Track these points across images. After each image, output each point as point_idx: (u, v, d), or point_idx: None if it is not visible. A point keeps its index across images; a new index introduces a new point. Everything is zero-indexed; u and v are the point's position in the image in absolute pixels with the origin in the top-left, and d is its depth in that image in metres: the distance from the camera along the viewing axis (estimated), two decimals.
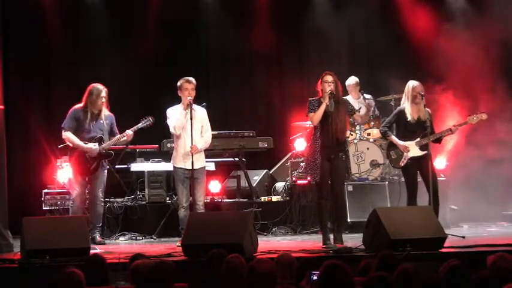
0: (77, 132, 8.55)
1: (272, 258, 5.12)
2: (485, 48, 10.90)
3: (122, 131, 8.84)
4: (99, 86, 8.62)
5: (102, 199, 8.76)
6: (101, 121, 8.57)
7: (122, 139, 8.64)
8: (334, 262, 4.24)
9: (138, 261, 5.06)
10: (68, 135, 8.54)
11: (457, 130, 8.62)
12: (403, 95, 8.67)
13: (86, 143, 8.51)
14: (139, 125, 8.73)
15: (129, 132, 8.60)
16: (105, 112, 8.64)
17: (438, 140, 8.69)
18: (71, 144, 8.58)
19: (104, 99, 8.56)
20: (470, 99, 10.13)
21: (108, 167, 8.89)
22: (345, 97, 9.63)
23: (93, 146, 8.49)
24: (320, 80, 8.02)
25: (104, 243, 8.69)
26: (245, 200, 10.17)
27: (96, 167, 8.57)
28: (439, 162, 10.12)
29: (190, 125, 8.31)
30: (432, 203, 8.27)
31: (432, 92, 9.68)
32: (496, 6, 11.14)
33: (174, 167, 8.54)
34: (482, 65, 10.80)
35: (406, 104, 8.60)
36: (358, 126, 10.37)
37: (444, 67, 10.72)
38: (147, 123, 8.76)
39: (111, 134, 8.66)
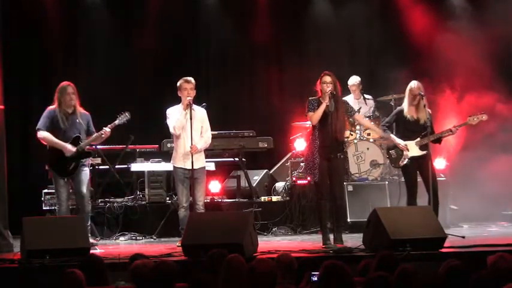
0: (53, 133, 8.27)
1: (272, 258, 5.12)
2: (485, 48, 10.90)
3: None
4: (65, 83, 8.35)
5: (88, 198, 8.38)
6: (77, 120, 8.29)
7: (100, 137, 8.33)
8: (334, 262, 4.24)
9: (138, 261, 5.06)
10: (44, 135, 8.27)
11: (458, 130, 8.61)
12: (405, 95, 8.67)
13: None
14: (116, 122, 8.41)
15: (107, 129, 8.29)
16: (81, 111, 8.36)
17: (438, 141, 8.68)
18: (45, 143, 8.30)
19: (72, 96, 8.25)
20: (470, 99, 10.13)
21: (89, 166, 8.52)
22: (345, 97, 9.67)
23: (71, 146, 8.18)
24: (319, 80, 8.02)
25: (95, 245, 8.22)
26: (245, 200, 10.17)
27: (75, 167, 8.23)
28: (439, 162, 10.11)
29: (190, 125, 8.31)
30: (432, 203, 8.27)
31: (432, 92, 9.68)
32: (496, 5, 11.15)
33: (174, 167, 8.53)
34: (483, 65, 10.80)
35: (406, 104, 8.60)
36: (358, 126, 10.37)
37: (445, 67, 10.72)
38: (124, 119, 8.46)
39: (88, 133, 8.37)
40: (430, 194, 8.33)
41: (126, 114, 8.45)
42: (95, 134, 8.31)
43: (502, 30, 11.19)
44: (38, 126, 8.31)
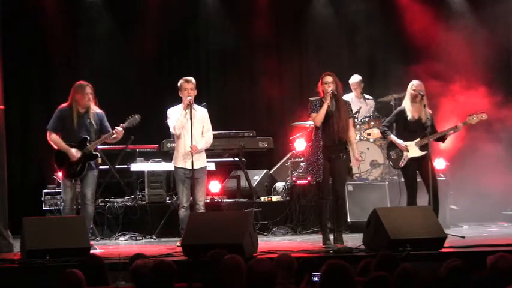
0: (63, 132, 8.15)
1: (272, 258, 5.12)
2: (486, 48, 10.91)
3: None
4: (83, 82, 8.22)
5: (91, 200, 8.24)
6: (88, 120, 8.14)
7: (112, 137, 8.17)
8: (337, 262, 4.24)
9: (139, 261, 5.06)
10: (52, 137, 8.13)
11: (462, 128, 8.59)
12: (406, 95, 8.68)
13: (71, 144, 8.10)
14: (125, 125, 8.28)
15: (119, 128, 8.14)
16: (94, 110, 8.21)
17: (442, 138, 8.67)
18: (55, 147, 8.17)
19: (90, 96, 8.12)
20: (471, 99, 10.13)
21: (98, 167, 8.39)
22: (346, 95, 9.70)
23: (75, 152, 8.06)
24: (320, 81, 8.03)
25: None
26: (245, 200, 10.16)
27: (82, 169, 8.12)
28: (439, 163, 10.11)
29: (190, 125, 8.30)
30: (432, 203, 8.27)
31: (433, 91, 9.67)
32: (496, 5, 11.16)
33: (175, 166, 8.52)
34: (483, 64, 10.81)
35: (406, 104, 8.61)
36: (358, 126, 10.36)
37: (445, 67, 10.72)
38: (133, 122, 8.32)
39: (102, 131, 8.23)
40: (430, 195, 8.33)
41: (136, 117, 8.33)
42: (106, 134, 8.17)
43: (502, 30, 11.21)
44: (47, 127, 8.20)
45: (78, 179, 8.23)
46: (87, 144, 8.13)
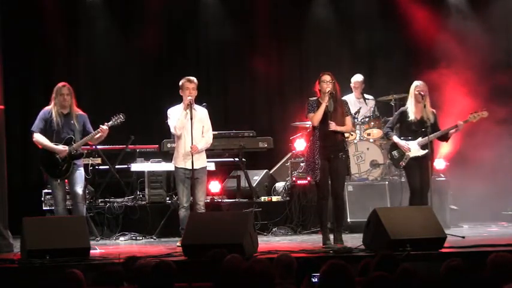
0: (47, 133, 8.18)
1: (272, 258, 5.12)
2: (486, 47, 10.91)
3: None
4: (61, 84, 8.29)
5: (82, 198, 8.28)
6: (72, 121, 8.19)
7: (97, 136, 8.20)
8: (338, 262, 4.24)
9: (141, 260, 5.07)
10: (36, 137, 8.18)
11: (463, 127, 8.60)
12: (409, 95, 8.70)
13: (56, 144, 8.17)
14: (110, 123, 8.29)
15: (104, 127, 8.17)
16: (76, 112, 8.27)
17: (445, 137, 8.68)
18: (40, 146, 8.22)
19: (67, 97, 8.17)
20: (470, 98, 10.14)
21: (82, 166, 8.34)
22: (346, 96, 9.68)
23: (63, 147, 8.12)
24: (318, 81, 8.01)
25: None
26: (245, 200, 10.16)
27: (68, 168, 8.15)
28: (439, 163, 10.11)
29: (190, 125, 8.30)
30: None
31: (433, 90, 9.68)
32: (497, 5, 11.17)
33: (175, 167, 8.52)
34: (483, 64, 10.81)
35: (409, 104, 8.62)
36: (358, 126, 10.36)
37: (445, 67, 10.72)
38: (118, 120, 8.35)
39: (84, 133, 8.26)
40: (430, 193, 8.34)
41: (121, 116, 8.36)
42: (91, 134, 8.21)
43: (502, 30, 11.21)
44: (32, 128, 8.24)
45: (64, 179, 8.21)
46: (73, 143, 8.16)
